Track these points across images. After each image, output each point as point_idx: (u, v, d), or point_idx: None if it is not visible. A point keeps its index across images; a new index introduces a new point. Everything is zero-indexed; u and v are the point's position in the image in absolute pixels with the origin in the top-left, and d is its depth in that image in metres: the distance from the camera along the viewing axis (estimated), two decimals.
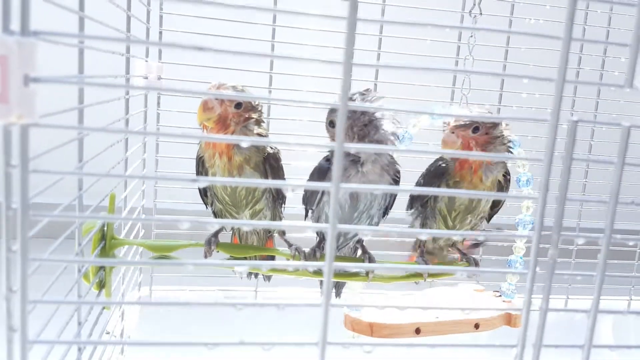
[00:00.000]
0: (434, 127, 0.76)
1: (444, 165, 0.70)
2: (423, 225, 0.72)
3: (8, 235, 0.31)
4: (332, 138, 0.67)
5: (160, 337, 0.34)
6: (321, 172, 0.66)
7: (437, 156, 0.73)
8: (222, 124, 0.63)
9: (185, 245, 0.65)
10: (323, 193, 0.67)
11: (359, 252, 0.72)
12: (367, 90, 0.64)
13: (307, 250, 0.68)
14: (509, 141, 0.68)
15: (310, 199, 0.69)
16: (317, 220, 0.69)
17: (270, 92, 0.92)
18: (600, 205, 0.37)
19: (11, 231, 0.31)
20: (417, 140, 0.75)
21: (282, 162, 0.68)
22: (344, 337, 0.75)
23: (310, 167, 0.69)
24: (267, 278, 0.81)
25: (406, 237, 0.83)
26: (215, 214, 0.71)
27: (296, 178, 0.78)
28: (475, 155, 0.65)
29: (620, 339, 1.13)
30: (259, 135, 0.66)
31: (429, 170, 0.72)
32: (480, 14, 0.77)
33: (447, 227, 0.71)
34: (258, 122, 0.66)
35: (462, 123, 0.65)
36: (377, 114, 0.63)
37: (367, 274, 0.67)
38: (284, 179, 0.69)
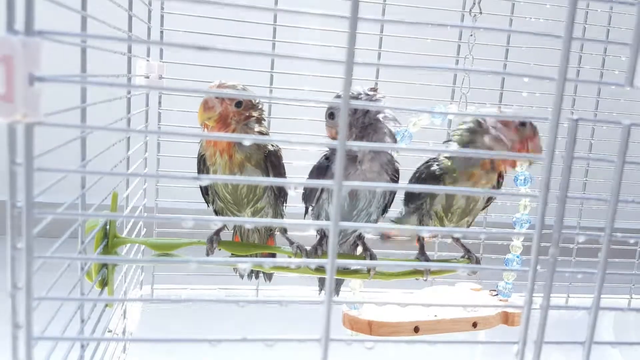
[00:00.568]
0: (434, 126, 0.77)
1: (438, 172, 0.68)
2: (420, 223, 0.71)
3: (13, 233, 0.31)
4: (331, 130, 0.67)
5: (162, 334, 0.34)
6: (320, 170, 0.66)
7: (433, 155, 0.72)
8: (223, 122, 0.63)
9: (187, 244, 0.66)
10: (322, 191, 0.67)
11: (359, 248, 0.72)
12: (373, 89, 0.64)
13: (308, 248, 0.68)
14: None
15: (309, 196, 0.69)
16: (317, 217, 0.69)
17: (271, 91, 0.92)
18: (601, 204, 0.37)
19: (16, 229, 0.31)
20: (417, 139, 0.76)
21: (283, 160, 0.68)
22: (343, 335, 0.75)
23: (310, 166, 0.69)
24: (268, 278, 0.81)
25: (406, 233, 0.83)
26: (217, 213, 0.71)
27: (297, 177, 0.78)
28: (482, 154, 0.65)
29: (621, 336, 1.14)
30: (260, 133, 0.66)
31: (421, 175, 0.70)
32: (480, 13, 0.77)
33: (444, 227, 0.71)
34: (259, 121, 0.66)
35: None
36: (380, 116, 0.63)
37: (368, 271, 0.68)
38: (285, 176, 0.69)
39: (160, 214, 0.95)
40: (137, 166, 0.82)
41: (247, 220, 0.36)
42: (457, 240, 0.75)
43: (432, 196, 0.69)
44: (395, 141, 0.65)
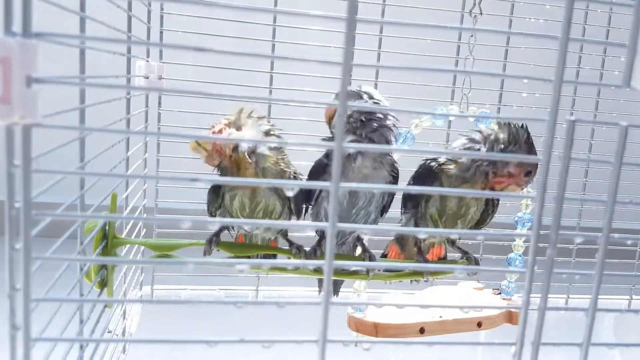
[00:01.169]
0: (435, 127, 0.77)
1: (435, 169, 0.69)
2: (416, 226, 0.72)
3: (11, 234, 0.31)
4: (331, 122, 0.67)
5: (161, 335, 0.34)
6: (320, 168, 0.66)
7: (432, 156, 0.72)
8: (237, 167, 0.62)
9: (186, 245, 0.66)
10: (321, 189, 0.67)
11: (359, 249, 0.72)
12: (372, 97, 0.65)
13: (307, 249, 0.68)
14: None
15: (308, 194, 0.69)
16: (316, 215, 0.69)
17: (270, 91, 0.92)
18: (600, 204, 0.37)
19: (14, 230, 0.31)
20: (419, 140, 0.76)
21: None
22: (345, 336, 0.75)
23: (310, 166, 0.69)
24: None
25: (404, 235, 0.83)
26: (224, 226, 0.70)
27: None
28: (481, 155, 0.65)
29: (621, 337, 1.14)
30: (276, 163, 0.63)
31: (420, 172, 0.71)
32: (481, 13, 0.77)
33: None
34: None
35: None
36: (388, 122, 0.63)
37: (367, 272, 0.68)
38: (302, 200, 0.68)
39: (160, 215, 0.96)
40: (137, 166, 0.82)
41: (244, 222, 0.36)
42: (452, 243, 0.75)
43: (428, 197, 0.69)
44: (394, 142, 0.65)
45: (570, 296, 1.07)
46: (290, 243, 0.69)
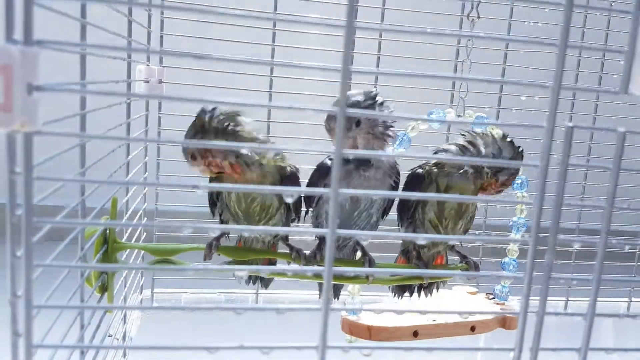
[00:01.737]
0: (432, 129, 0.77)
1: (421, 174, 0.69)
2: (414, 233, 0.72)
3: (13, 241, 0.31)
4: (350, 142, 0.67)
5: (162, 339, 0.34)
6: (323, 170, 0.67)
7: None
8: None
9: (186, 249, 0.66)
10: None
11: (359, 253, 0.73)
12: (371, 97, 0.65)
13: (307, 252, 0.68)
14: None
15: (309, 198, 0.69)
16: (316, 218, 0.69)
17: (270, 95, 0.93)
18: (598, 208, 0.37)
19: (16, 237, 0.31)
20: (415, 143, 0.76)
21: (300, 180, 0.67)
22: (342, 340, 0.75)
23: (312, 170, 0.69)
24: (265, 285, 0.80)
25: (404, 240, 0.83)
26: (223, 223, 0.70)
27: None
28: (472, 160, 0.65)
29: (621, 340, 1.14)
30: (277, 164, 0.64)
31: (408, 181, 0.71)
32: (478, 17, 0.77)
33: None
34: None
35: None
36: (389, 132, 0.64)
37: (367, 276, 0.68)
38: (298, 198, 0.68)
39: (159, 218, 0.96)
40: (137, 170, 0.82)
41: (243, 229, 0.36)
42: (452, 248, 0.75)
43: (424, 203, 0.69)
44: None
45: (569, 298, 1.07)
46: (290, 247, 0.69)
